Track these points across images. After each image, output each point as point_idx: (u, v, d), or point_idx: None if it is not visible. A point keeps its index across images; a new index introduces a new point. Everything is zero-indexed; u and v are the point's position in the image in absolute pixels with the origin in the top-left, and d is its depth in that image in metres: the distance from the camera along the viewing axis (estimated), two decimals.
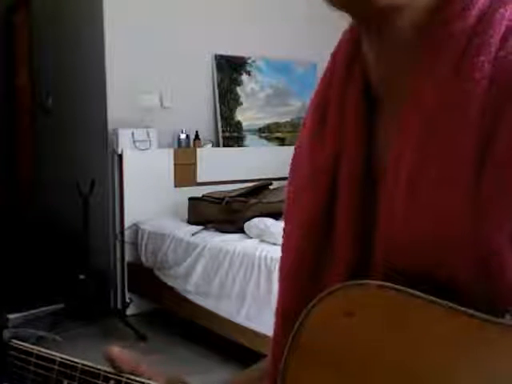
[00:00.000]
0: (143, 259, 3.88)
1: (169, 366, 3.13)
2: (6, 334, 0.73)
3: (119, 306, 4.05)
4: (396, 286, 0.48)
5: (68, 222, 4.50)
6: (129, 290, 4.03)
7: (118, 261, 4.11)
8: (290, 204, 0.65)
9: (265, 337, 2.81)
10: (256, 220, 3.43)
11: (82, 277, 3.77)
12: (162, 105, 4.33)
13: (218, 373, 3.07)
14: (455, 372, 0.46)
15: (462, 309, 0.45)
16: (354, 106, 0.58)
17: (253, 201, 3.70)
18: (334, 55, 0.63)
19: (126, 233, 4.02)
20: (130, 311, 3.94)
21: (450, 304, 0.46)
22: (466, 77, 0.48)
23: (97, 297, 3.86)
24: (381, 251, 0.52)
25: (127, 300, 3.98)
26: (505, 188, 0.45)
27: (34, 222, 5.23)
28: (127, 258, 4.04)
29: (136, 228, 4.00)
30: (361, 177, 0.56)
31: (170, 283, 3.62)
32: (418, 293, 0.47)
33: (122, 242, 4.04)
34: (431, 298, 0.46)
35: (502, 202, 0.45)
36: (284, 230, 0.66)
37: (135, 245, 3.99)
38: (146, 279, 3.86)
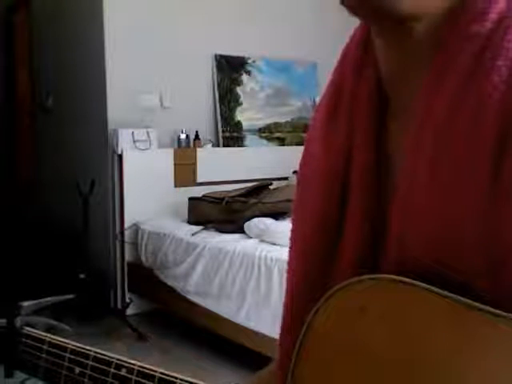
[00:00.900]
0: (143, 259, 3.88)
1: (169, 365, 3.13)
2: (19, 321, 0.73)
3: (119, 305, 4.05)
4: (411, 281, 0.48)
5: (68, 222, 4.50)
6: (129, 290, 4.04)
7: (118, 261, 4.11)
8: (300, 199, 0.65)
9: (265, 337, 2.81)
10: (256, 220, 3.43)
11: (82, 276, 3.77)
12: (161, 105, 4.33)
13: (217, 373, 3.07)
14: (468, 368, 0.46)
15: (476, 304, 0.45)
16: (366, 99, 0.57)
17: (253, 201, 3.70)
18: (345, 50, 0.63)
19: (126, 233, 4.02)
20: (130, 311, 3.94)
21: (464, 299, 0.45)
22: (483, 80, 0.47)
23: (97, 297, 3.86)
24: (393, 250, 0.52)
25: (127, 300, 3.98)
26: None
27: (34, 222, 5.23)
28: (127, 257, 4.04)
29: (136, 228, 4.00)
30: (372, 174, 0.56)
31: (169, 283, 3.62)
32: (432, 288, 0.47)
33: (122, 241, 4.04)
34: (446, 293, 0.46)
35: None
36: (292, 222, 0.66)
37: (135, 245, 3.99)
38: (146, 279, 3.86)
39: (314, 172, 0.61)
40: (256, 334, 2.94)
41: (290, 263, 0.65)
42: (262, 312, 2.94)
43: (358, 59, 0.59)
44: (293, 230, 0.66)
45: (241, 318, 3.09)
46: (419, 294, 0.47)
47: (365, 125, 0.57)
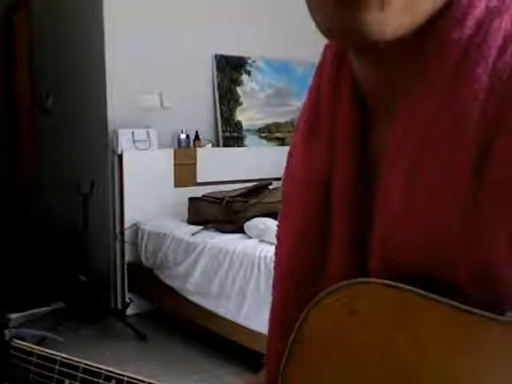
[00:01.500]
0: (143, 259, 3.88)
1: (169, 365, 3.14)
2: (8, 333, 0.73)
3: (119, 306, 4.05)
4: (399, 285, 0.48)
5: (68, 222, 4.50)
6: (129, 290, 4.04)
7: (118, 261, 4.11)
8: (285, 208, 0.65)
9: (265, 336, 2.80)
10: (256, 220, 3.43)
11: (81, 277, 3.77)
12: (161, 105, 4.33)
13: (217, 373, 3.07)
14: (459, 371, 0.46)
15: (466, 307, 0.45)
16: (345, 112, 0.57)
17: (253, 201, 3.70)
18: (319, 66, 0.63)
19: (126, 233, 4.02)
20: (130, 311, 3.94)
21: (453, 302, 0.46)
22: (464, 89, 0.47)
23: (97, 297, 3.86)
24: (377, 252, 0.52)
25: (127, 300, 3.98)
26: (500, 202, 0.45)
27: (33, 222, 5.23)
28: (127, 258, 4.04)
29: (136, 228, 4.00)
30: (354, 181, 0.56)
31: (169, 283, 3.62)
32: (420, 291, 0.47)
33: (122, 242, 4.04)
34: (434, 296, 0.46)
35: (497, 214, 0.45)
36: (277, 232, 0.66)
37: (135, 245, 3.99)
38: (146, 279, 3.86)
39: (298, 177, 0.62)
40: (256, 334, 2.94)
41: (277, 260, 0.65)
42: (261, 312, 2.94)
43: (333, 75, 0.59)
44: (280, 228, 0.66)
45: (241, 318, 3.09)
46: (408, 298, 0.47)
47: (345, 135, 0.57)
